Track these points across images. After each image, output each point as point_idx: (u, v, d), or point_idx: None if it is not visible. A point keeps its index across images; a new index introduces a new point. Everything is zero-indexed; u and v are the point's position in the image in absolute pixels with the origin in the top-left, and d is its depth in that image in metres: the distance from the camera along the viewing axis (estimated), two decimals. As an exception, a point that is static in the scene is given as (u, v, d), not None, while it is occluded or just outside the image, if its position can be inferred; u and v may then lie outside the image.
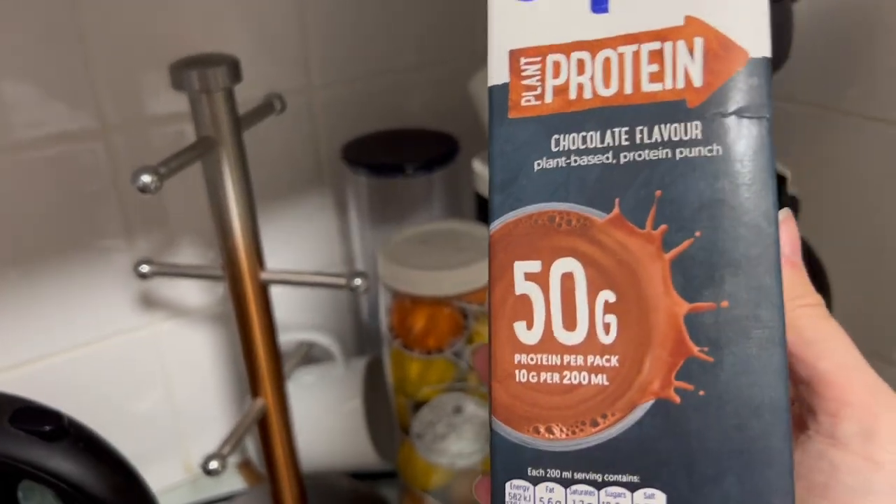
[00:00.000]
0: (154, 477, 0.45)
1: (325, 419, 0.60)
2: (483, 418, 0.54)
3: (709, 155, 0.21)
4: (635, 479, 0.21)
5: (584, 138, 0.22)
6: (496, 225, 0.23)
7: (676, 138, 0.21)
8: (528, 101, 0.23)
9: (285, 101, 0.48)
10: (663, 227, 0.21)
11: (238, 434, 0.47)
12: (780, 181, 0.47)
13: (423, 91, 0.67)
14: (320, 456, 0.60)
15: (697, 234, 0.21)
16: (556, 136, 0.22)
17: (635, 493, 0.21)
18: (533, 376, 0.22)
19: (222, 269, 0.47)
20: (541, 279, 0.22)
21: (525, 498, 0.22)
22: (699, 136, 0.21)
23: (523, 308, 0.22)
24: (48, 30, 0.49)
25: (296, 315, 0.65)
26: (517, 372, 0.22)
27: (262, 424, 0.50)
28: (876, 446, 0.21)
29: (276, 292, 0.50)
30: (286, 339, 0.57)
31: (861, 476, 0.21)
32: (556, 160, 0.22)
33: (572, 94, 0.22)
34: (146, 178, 0.38)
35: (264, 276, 0.47)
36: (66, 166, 0.52)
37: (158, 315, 0.59)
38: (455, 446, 0.55)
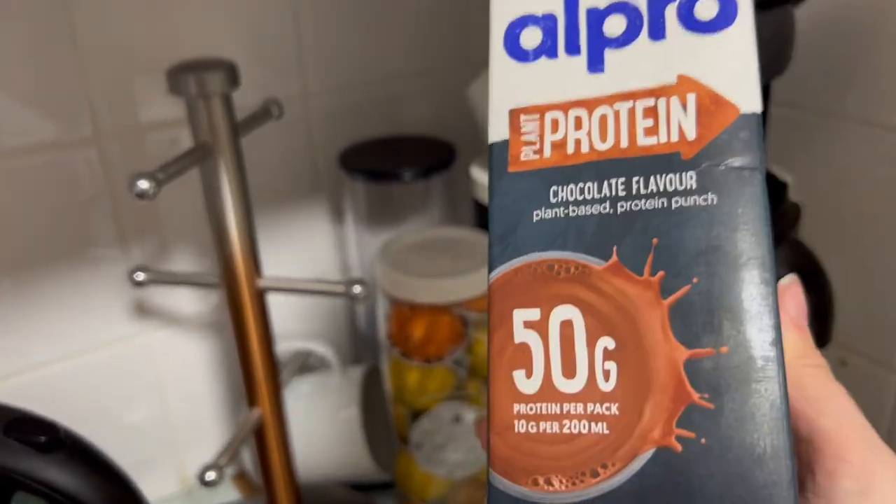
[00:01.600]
0: (149, 488, 0.44)
1: (321, 429, 0.59)
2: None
3: (704, 204, 0.21)
4: None
5: (581, 189, 0.23)
6: (495, 274, 0.23)
7: (672, 188, 0.22)
8: (528, 155, 0.23)
9: (283, 107, 0.47)
10: (661, 273, 0.21)
11: (235, 444, 0.46)
12: (782, 187, 0.47)
13: (420, 98, 0.67)
14: (317, 466, 0.59)
15: (695, 280, 0.21)
16: (554, 188, 0.23)
17: None
18: (532, 426, 0.22)
19: (219, 276, 0.47)
20: (540, 327, 0.22)
21: None
22: (694, 186, 0.21)
23: (522, 356, 0.22)
24: (41, 36, 0.48)
25: (291, 323, 0.65)
26: (516, 422, 0.22)
27: (259, 434, 0.50)
28: None
29: (270, 300, 0.49)
30: (282, 347, 0.56)
31: None
32: (554, 210, 0.23)
33: (570, 149, 0.23)
34: (144, 184, 0.37)
35: (261, 283, 0.47)
36: (60, 174, 0.51)
37: (153, 323, 0.58)
38: (454, 456, 0.54)
